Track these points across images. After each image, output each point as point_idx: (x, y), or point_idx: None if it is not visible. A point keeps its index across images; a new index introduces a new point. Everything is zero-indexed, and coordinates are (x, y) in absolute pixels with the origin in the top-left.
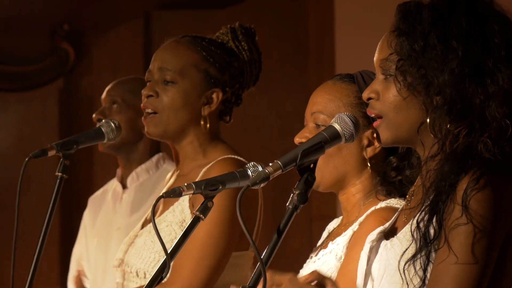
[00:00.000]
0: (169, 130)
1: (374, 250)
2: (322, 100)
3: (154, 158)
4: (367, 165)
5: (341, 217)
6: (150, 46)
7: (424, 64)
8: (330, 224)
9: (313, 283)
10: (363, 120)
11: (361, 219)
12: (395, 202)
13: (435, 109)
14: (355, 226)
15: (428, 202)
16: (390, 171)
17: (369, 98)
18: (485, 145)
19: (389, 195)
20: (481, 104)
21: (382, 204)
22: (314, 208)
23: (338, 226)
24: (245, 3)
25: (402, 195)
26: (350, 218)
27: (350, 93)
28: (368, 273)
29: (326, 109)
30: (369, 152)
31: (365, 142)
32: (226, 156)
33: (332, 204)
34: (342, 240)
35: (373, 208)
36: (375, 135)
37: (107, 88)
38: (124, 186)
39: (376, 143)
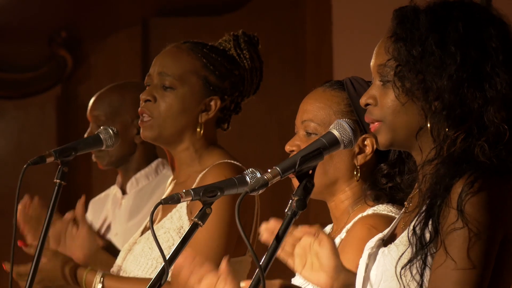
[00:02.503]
0: (164, 134)
1: (372, 257)
2: (312, 108)
3: (154, 164)
4: (358, 172)
5: (332, 224)
6: (148, 53)
7: (422, 69)
8: None
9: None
10: None
11: (348, 226)
12: (383, 209)
13: (433, 114)
14: (342, 234)
15: (424, 207)
16: (381, 178)
17: (367, 104)
18: (481, 149)
19: (377, 200)
20: (479, 109)
21: (369, 211)
22: (313, 215)
23: (328, 234)
24: (243, 10)
25: (391, 200)
26: (339, 225)
27: (340, 101)
28: (366, 280)
29: (316, 117)
30: (359, 159)
31: (356, 149)
32: (222, 161)
33: None
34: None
35: (360, 215)
36: (365, 142)
37: (88, 108)
38: (124, 192)
39: (367, 151)
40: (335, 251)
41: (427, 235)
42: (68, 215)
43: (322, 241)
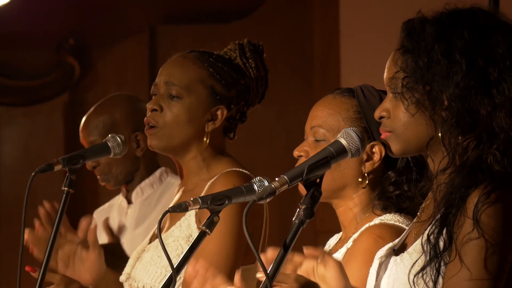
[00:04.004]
0: (172, 144)
1: (383, 266)
2: (321, 114)
3: (157, 172)
4: (365, 179)
5: (341, 233)
6: (156, 60)
7: (429, 79)
8: (331, 239)
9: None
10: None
11: (355, 235)
12: (390, 218)
13: (443, 123)
14: (349, 243)
15: (439, 216)
16: (388, 186)
17: (381, 117)
18: (494, 157)
19: (385, 209)
20: (488, 115)
21: (377, 221)
22: (319, 222)
23: (337, 242)
24: (251, 18)
25: (398, 210)
26: (347, 234)
27: (350, 108)
28: None
29: (325, 123)
30: (367, 167)
31: (364, 156)
32: (230, 169)
33: (337, 218)
34: (337, 257)
35: (367, 225)
36: (374, 149)
37: (81, 135)
38: (129, 202)
39: (375, 158)
40: (342, 272)
41: (441, 244)
42: (76, 237)
43: (328, 263)
